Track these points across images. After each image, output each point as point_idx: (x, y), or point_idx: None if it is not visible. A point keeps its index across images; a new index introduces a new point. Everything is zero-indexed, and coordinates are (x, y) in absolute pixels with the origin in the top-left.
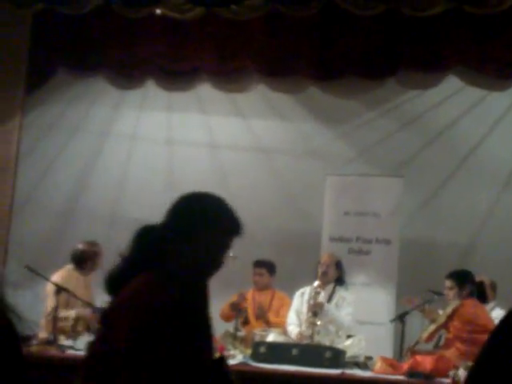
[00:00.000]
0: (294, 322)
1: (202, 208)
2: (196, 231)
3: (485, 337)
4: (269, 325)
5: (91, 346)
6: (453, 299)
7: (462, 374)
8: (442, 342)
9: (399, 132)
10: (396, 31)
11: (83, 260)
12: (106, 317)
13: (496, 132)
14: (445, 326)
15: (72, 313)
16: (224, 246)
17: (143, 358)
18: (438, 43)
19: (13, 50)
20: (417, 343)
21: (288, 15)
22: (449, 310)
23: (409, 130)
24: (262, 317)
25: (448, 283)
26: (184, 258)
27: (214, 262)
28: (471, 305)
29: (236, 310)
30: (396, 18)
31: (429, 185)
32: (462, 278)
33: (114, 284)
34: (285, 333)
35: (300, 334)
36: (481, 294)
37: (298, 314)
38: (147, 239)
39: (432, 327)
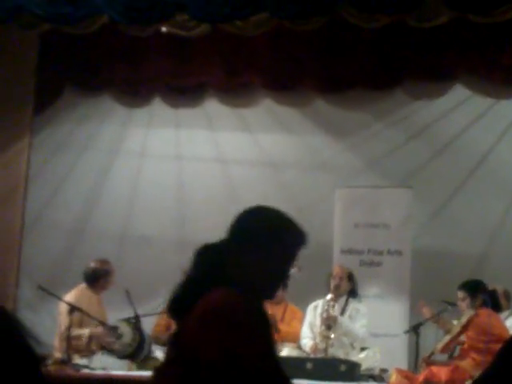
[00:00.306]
0: (307, 336)
1: (267, 221)
2: (264, 244)
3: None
4: (279, 335)
5: (163, 370)
6: (466, 310)
7: None
8: (456, 353)
9: (407, 143)
10: (402, 42)
11: (96, 278)
12: (182, 337)
13: (505, 140)
14: (459, 336)
15: (85, 331)
16: (291, 258)
17: (240, 373)
18: (444, 53)
19: (20, 70)
20: (432, 354)
21: (293, 29)
22: (463, 320)
23: (417, 141)
24: (274, 328)
25: (460, 294)
26: (254, 271)
27: (282, 274)
28: (485, 314)
29: None
30: (401, 29)
31: (438, 195)
32: (473, 289)
33: (181, 305)
34: (299, 347)
35: (314, 346)
36: (494, 302)
37: (312, 327)
38: (212, 256)
39: (447, 338)
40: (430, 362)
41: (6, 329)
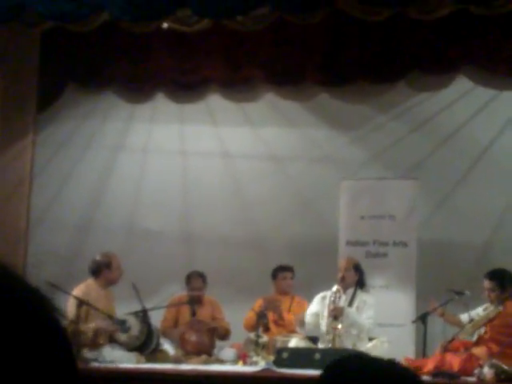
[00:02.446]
0: (309, 321)
1: None
2: None
3: None
4: (284, 324)
5: None
6: (495, 301)
7: (487, 371)
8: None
9: (411, 134)
10: (404, 34)
11: (98, 270)
12: None
13: (508, 130)
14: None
15: (91, 326)
16: None
17: None
18: (447, 45)
19: (23, 68)
20: (452, 341)
21: (295, 23)
22: (492, 313)
23: (421, 132)
24: (278, 315)
25: (488, 284)
26: None
27: None
28: None
29: (263, 318)
30: (403, 22)
31: (443, 186)
32: (503, 279)
33: None
34: (306, 338)
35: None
36: None
37: (317, 316)
38: None
39: (471, 329)
40: (448, 349)
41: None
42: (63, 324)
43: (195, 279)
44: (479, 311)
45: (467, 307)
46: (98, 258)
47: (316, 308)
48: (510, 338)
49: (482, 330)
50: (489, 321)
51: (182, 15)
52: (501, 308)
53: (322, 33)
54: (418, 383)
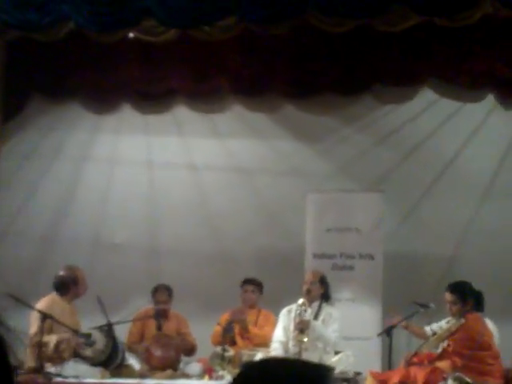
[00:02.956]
0: (280, 340)
1: None
2: None
3: (484, 354)
4: (252, 340)
5: None
6: (457, 315)
7: None
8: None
9: (377, 147)
10: (369, 47)
11: (64, 287)
12: None
13: (472, 143)
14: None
15: (53, 338)
16: None
17: None
18: (412, 57)
19: None
20: (415, 355)
21: (262, 35)
22: (453, 327)
23: (386, 145)
24: (243, 328)
25: (449, 297)
26: None
27: None
28: (476, 321)
29: (230, 327)
30: (369, 34)
31: (409, 198)
32: (464, 292)
33: None
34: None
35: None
36: (479, 304)
37: (286, 331)
38: None
39: (434, 342)
40: (411, 362)
41: None
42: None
43: (161, 292)
44: (442, 324)
45: (432, 320)
46: (62, 273)
47: (283, 322)
48: (472, 351)
49: (446, 343)
50: (451, 334)
51: (148, 25)
52: (462, 321)
53: (289, 44)
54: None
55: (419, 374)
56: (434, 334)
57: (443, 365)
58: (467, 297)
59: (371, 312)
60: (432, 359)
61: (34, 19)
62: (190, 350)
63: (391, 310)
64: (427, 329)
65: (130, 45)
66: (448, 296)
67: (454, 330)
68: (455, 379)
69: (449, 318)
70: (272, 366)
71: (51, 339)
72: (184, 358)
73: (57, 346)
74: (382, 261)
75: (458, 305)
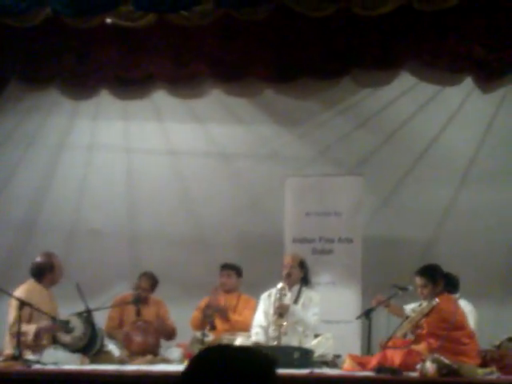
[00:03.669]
0: (260, 324)
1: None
2: None
3: (458, 333)
4: (230, 324)
5: None
6: (428, 297)
7: (429, 366)
8: (411, 336)
9: (356, 131)
10: (348, 31)
11: (41, 273)
12: None
13: (452, 126)
14: (420, 323)
15: (32, 327)
16: None
17: None
18: (390, 40)
19: None
20: (390, 339)
21: (240, 19)
22: (425, 309)
23: (366, 128)
24: (223, 316)
25: (420, 281)
26: None
27: None
28: (448, 301)
29: (210, 311)
30: (348, 18)
31: (388, 182)
32: (434, 274)
33: None
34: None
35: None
36: (450, 286)
37: (266, 315)
38: None
39: (407, 325)
40: (386, 347)
41: None
42: None
43: (145, 279)
44: (414, 307)
45: (410, 302)
46: (38, 259)
47: (263, 307)
48: (447, 332)
49: (420, 328)
50: (424, 316)
51: (126, 10)
52: (434, 302)
53: (268, 29)
54: (272, 370)
55: (396, 356)
56: (407, 317)
57: (419, 347)
58: (437, 279)
59: (351, 295)
60: (407, 343)
61: (10, 4)
62: (170, 334)
63: (375, 300)
64: (406, 309)
65: (108, 30)
66: (418, 280)
67: (427, 312)
68: (433, 361)
69: (421, 302)
70: (228, 351)
71: (30, 329)
72: (164, 343)
73: (36, 335)
74: (362, 244)
75: (429, 287)
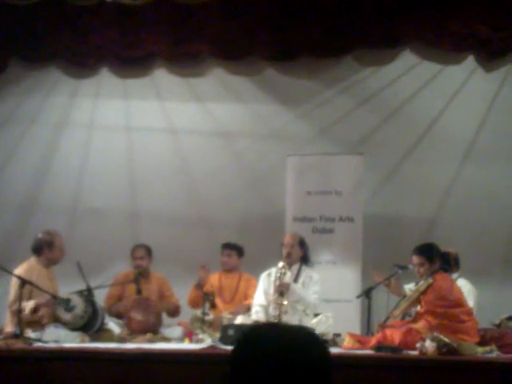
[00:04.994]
0: (261, 303)
1: None
2: None
3: (457, 311)
4: (234, 303)
5: None
6: (424, 275)
7: (428, 345)
8: (409, 317)
9: (358, 109)
10: (350, 9)
11: (40, 248)
12: None
13: (454, 105)
14: (417, 301)
15: (30, 303)
16: None
17: None
18: (393, 19)
19: None
20: (388, 319)
21: None
22: (422, 286)
23: (367, 107)
24: (211, 305)
25: (416, 259)
26: None
27: None
28: (443, 279)
29: (201, 289)
30: None
31: (389, 161)
32: (431, 253)
33: None
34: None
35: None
36: (447, 265)
37: (266, 294)
38: None
39: (404, 304)
40: (385, 326)
41: None
42: None
43: (139, 249)
44: (411, 286)
45: (411, 281)
46: (40, 235)
47: (263, 285)
48: (444, 309)
49: (418, 307)
50: (420, 294)
51: None
52: (430, 280)
53: (269, 7)
54: (325, 348)
55: (395, 334)
56: (404, 296)
57: (418, 326)
58: (434, 258)
59: (351, 274)
60: (406, 323)
61: None
62: (174, 311)
63: (372, 275)
64: (405, 288)
65: (109, 8)
66: (415, 258)
67: (423, 290)
68: (433, 339)
69: (417, 281)
70: (282, 328)
71: (28, 305)
72: (165, 322)
73: (34, 310)
74: (362, 223)
75: (425, 266)
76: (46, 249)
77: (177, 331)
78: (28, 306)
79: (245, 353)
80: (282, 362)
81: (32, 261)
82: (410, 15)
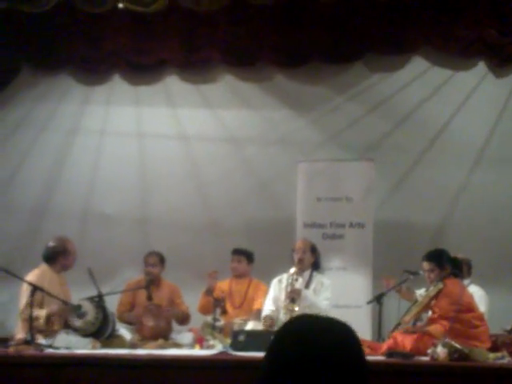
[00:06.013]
0: (269, 309)
1: None
2: None
3: (468, 316)
4: (244, 309)
5: None
6: (435, 281)
7: (440, 351)
8: (421, 322)
9: (368, 115)
10: (360, 15)
11: (54, 257)
12: None
13: (464, 111)
14: (428, 307)
15: (43, 312)
16: None
17: None
18: (403, 25)
19: None
20: (398, 325)
21: (251, 4)
22: (432, 292)
23: (377, 113)
24: (222, 312)
25: (427, 265)
26: None
27: None
28: (454, 284)
29: (211, 295)
30: (360, 2)
31: (400, 167)
32: (441, 259)
33: None
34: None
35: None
36: (457, 270)
37: (276, 300)
38: None
39: (415, 309)
40: (401, 331)
41: None
42: None
43: (152, 256)
44: (422, 292)
45: (422, 287)
46: (52, 243)
47: (273, 292)
48: (457, 314)
49: (430, 312)
50: (431, 299)
51: None
52: (440, 285)
53: (279, 14)
54: (356, 338)
55: (407, 341)
56: (415, 302)
57: (432, 329)
58: (444, 263)
59: (362, 280)
60: (420, 327)
61: None
62: (184, 319)
63: (385, 280)
64: (417, 294)
65: (120, 15)
66: (425, 265)
67: (433, 295)
68: (445, 345)
69: (428, 287)
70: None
71: (41, 314)
72: (176, 328)
73: (47, 319)
74: (373, 229)
75: (436, 272)
76: (60, 256)
77: (187, 337)
78: (41, 315)
79: (284, 345)
80: (325, 357)
81: (44, 267)
82: (418, 20)
